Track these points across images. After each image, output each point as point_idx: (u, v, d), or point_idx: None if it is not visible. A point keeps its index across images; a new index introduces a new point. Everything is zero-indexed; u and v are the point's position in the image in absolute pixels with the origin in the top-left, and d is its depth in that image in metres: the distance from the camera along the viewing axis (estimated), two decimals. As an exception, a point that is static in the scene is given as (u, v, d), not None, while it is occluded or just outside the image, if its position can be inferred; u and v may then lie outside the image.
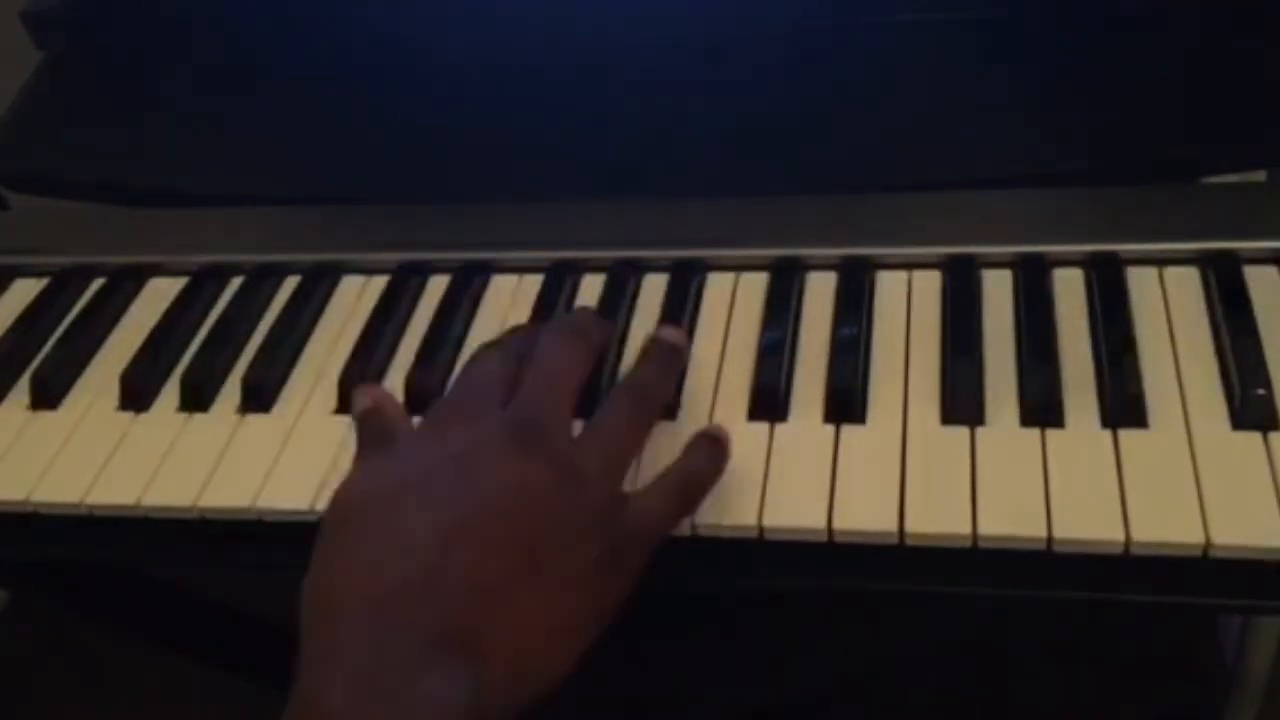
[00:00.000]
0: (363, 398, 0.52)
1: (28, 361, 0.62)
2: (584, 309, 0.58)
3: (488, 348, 0.53)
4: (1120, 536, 0.45)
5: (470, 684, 0.40)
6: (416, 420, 0.52)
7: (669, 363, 0.53)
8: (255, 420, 0.57)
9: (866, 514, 0.47)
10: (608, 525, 0.45)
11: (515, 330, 0.55)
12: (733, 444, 0.49)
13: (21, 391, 0.60)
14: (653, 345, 0.53)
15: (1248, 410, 0.48)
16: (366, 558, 0.44)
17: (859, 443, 0.50)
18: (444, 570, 0.42)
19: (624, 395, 0.51)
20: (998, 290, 0.56)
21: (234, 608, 0.97)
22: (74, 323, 0.64)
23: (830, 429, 0.51)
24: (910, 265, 0.58)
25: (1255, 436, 0.48)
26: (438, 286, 0.62)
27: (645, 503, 0.47)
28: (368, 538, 0.44)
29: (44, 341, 0.63)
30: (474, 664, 0.41)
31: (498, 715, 0.41)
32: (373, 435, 0.51)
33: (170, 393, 0.59)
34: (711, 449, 0.49)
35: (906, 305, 0.56)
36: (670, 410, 0.53)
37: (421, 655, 0.41)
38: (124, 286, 0.66)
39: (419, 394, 0.56)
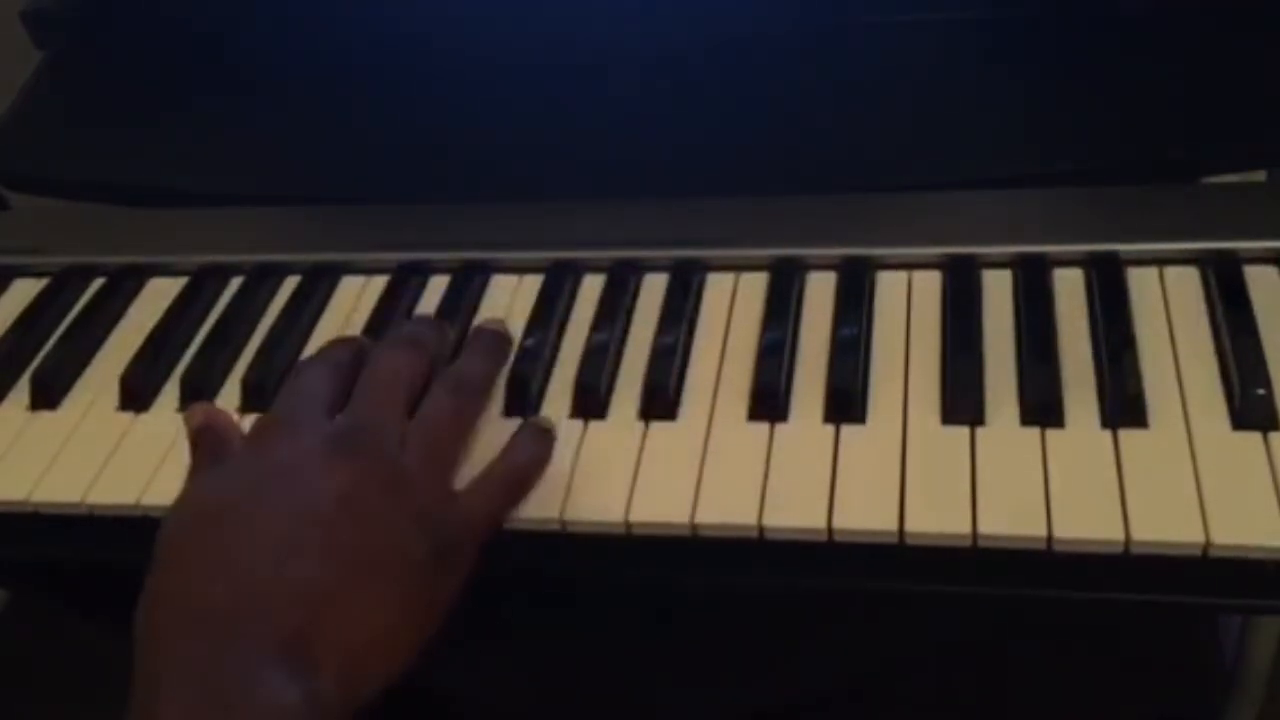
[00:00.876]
0: (195, 415, 0.52)
1: (28, 361, 0.62)
2: (423, 317, 0.59)
3: (312, 360, 0.53)
4: (1120, 536, 0.45)
5: (305, 690, 0.41)
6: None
7: (491, 353, 0.54)
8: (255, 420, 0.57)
9: (866, 514, 0.47)
10: (434, 524, 0.46)
11: (339, 341, 0.55)
12: (556, 435, 0.52)
13: (21, 391, 0.60)
14: (475, 337, 0.55)
15: (1248, 410, 0.48)
16: (194, 576, 0.44)
17: (859, 443, 0.50)
18: (270, 582, 0.43)
19: (441, 388, 0.52)
20: (998, 290, 0.56)
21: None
22: (74, 323, 0.64)
23: (830, 429, 0.51)
24: (910, 265, 0.58)
25: (1255, 436, 0.48)
26: (438, 286, 0.62)
27: (471, 499, 0.49)
28: (194, 557, 0.45)
29: (44, 341, 0.63)
30: (308, 670, 0.42)
31: (335, 716, 0.42)
32: (204, 452, 0.51)
33: (170, 393, 0.59)
34: (536, 441, 0.51)
35: (906, 305, 0.56)
36: (670, 410, 0.53)
37: (254, 667, 0.41)
38: (124, 286, 0.66)
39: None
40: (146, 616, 0.44)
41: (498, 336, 0.56)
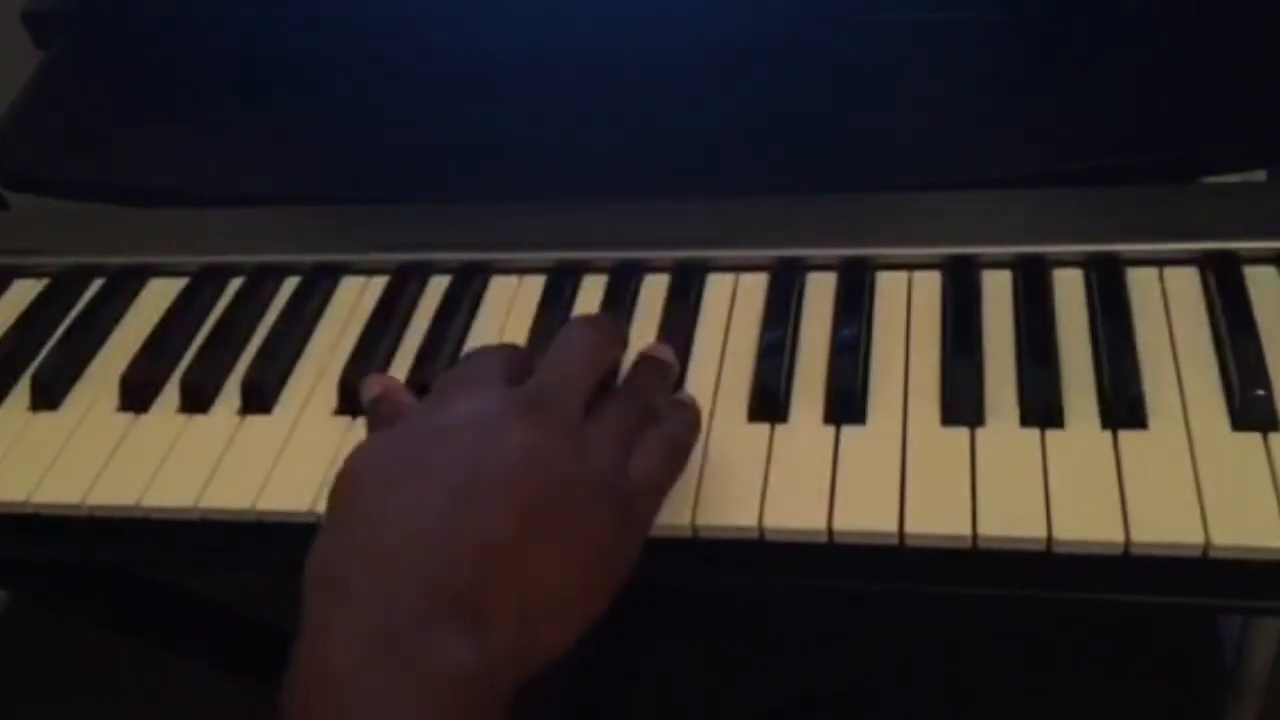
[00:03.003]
0: (372, 385, 0.52)
1: (28, 362, 0.62)
2: (611, 316, 0.58)
3: (488, 346, 0.53)
4: (1120, 536, 0.45)
5: (477, 644, 0.40)
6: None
7: (663, 375, 0.53)
8: (255, 421, 0.57)
9: (866, 514, 0.47)
10: (614, 493, 0.45)
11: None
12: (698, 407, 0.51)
13: (21, 392, 0.60)
14: (645, 356, 0.53)
15: (1248, 410, 0.48)
16: (371, 522, 0.43)
17: (859, 443, 0.50)
18: (448, 530, 0.42)
19: (631, 391, 0.51)
20: (998, 290, 0.56)
21: (234, 608, 0.98)
22: (74, 323, 0.64)
23: (830, 429, 0.51)
24: (910, 265, 0.58)
25: (1255, 436, 0.48)
26: (438, 286, 0.62)
27: (644, 467, 0.47)
28: (372, 503, 0.44)
29: (44, 341, 0.63)
30: (482, 626, 0.40)
31: (505, 678, 0.41)
32: (380, 418, 0.50)
33: (170, 393, 0.59)
34: (691, 409, 0.51)
35: (906, 305, 0.56)
36: (657, 420, 0.53)
37: (428, 614, 0.40)
38: (124, 286, 0.66)
39: (419, 394, 0.56)
40: (318, 561, 0.43)
41: (668, 363, 0.54)
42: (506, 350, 0.52)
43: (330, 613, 0.41)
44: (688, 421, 0.50)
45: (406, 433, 0.47)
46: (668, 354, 0.54)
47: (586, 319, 0.54)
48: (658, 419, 0.50)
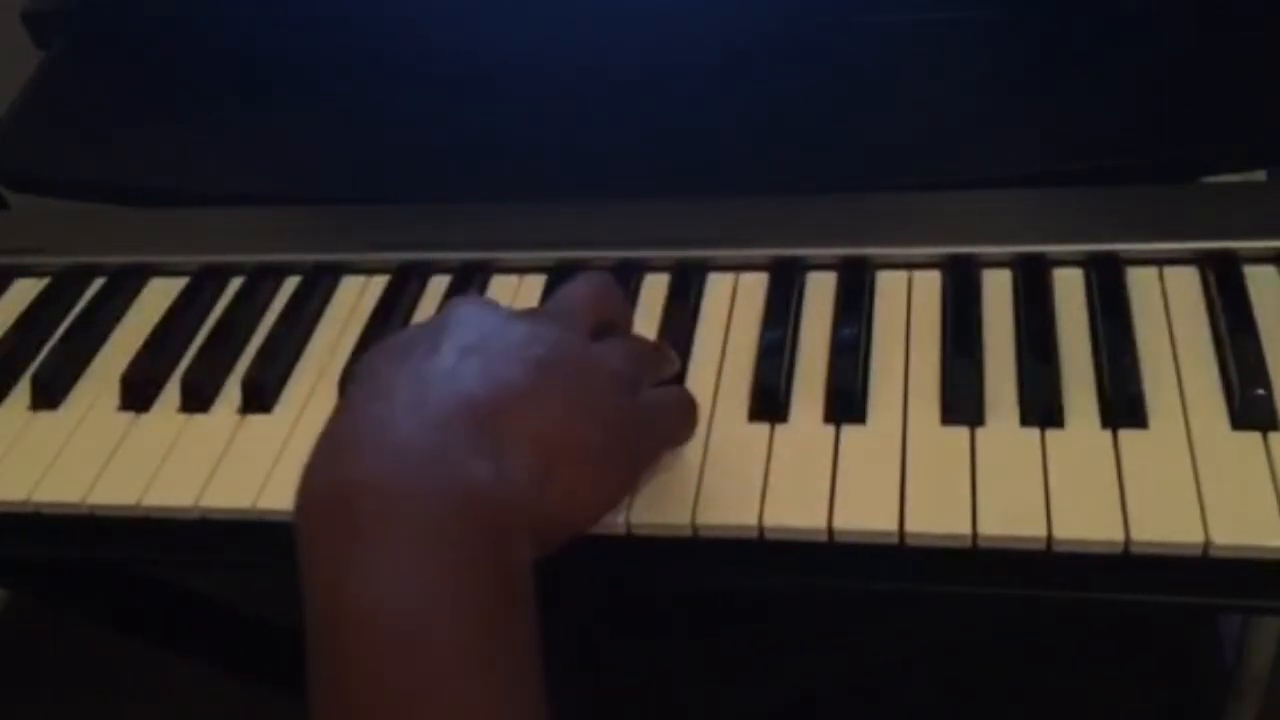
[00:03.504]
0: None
1: (28, 361, 0.62)
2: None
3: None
4: (1120, 536, 0.45)
5: (492, 461, 0.40)
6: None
7: (666, 356, 0.54)
8: (256, 420, 0.57)
9: (866, 514, 0.47)
10: (630, 389, 0.46)
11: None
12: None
13: (22, 391, 0.60)
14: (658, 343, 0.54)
15: (1248, 410, 0.48)
16: (379, 385, 0.43)
17: (859, 443, 0.50)
18: (457, 369, 0.42)
19: (631, 338, 0.52)
20: (998, 290, 0.56)
21: (234, 608, 0.98)
22: (74, 323, 0.64)
23: (830, 429, 0.51)
24: (910, 265, 0.58)
25: (1255, 436, 0.48)
26: (438, 286, 0.62)
27: (659, 397, 0.49)
28: (380, 379, 0.44)
29: (44, 341, 0.63)
30: (497, 446, 0.41)
31: (524, 512, 0.40)
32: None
33: (171, 393, 0.59)
34: (688, 397, 0.52)
35: (906, 305, 0.56)
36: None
37: (442, 430, 0.40)
38: (124, 286, 0.66)
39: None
40: (335, 414, 0.43)
41: (669, 355, 0.54)
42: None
43: (343, 430, 0.42)
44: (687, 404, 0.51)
45: (412, 328, 0.48)
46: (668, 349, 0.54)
47: (586, 274, 0.55)
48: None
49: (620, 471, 0.45)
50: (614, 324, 0.51)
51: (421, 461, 0.39)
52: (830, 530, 0.47)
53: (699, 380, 0.54)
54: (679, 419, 0.50)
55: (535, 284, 0.61)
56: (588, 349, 0.46)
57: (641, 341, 0.53)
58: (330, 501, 0.40)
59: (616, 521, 0.49)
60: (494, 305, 0.48)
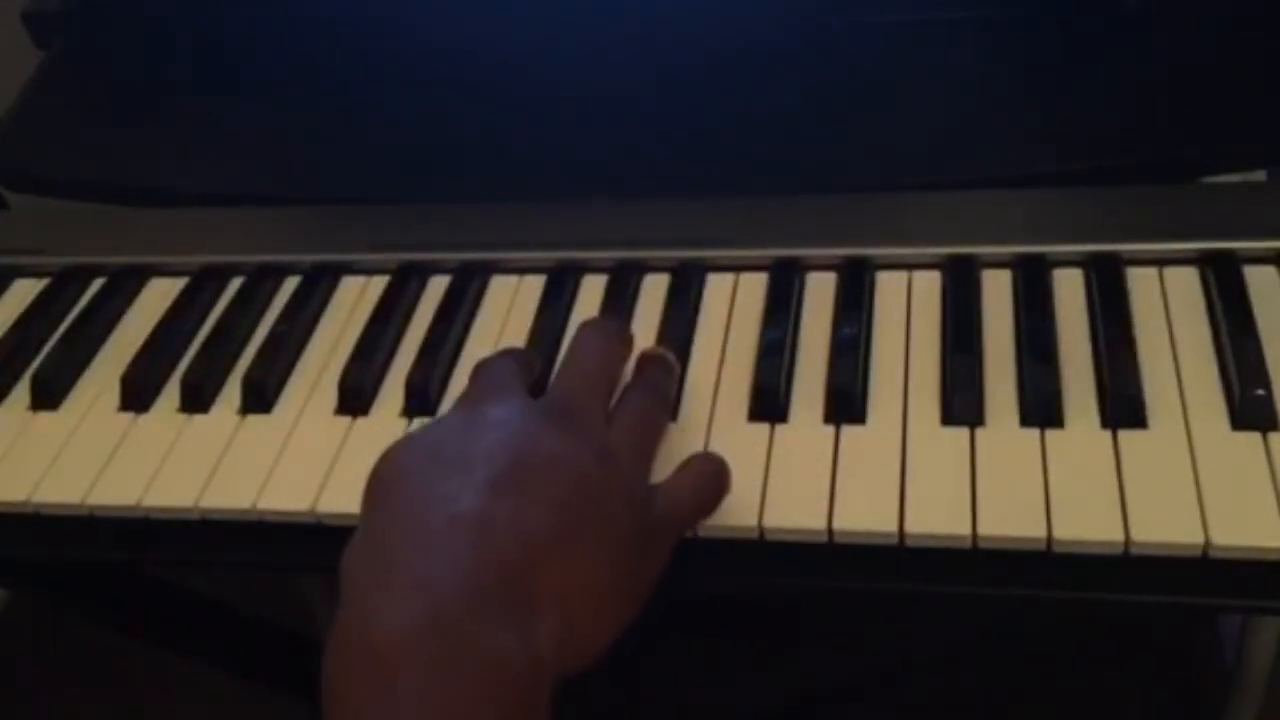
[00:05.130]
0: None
1: (28, 361, 0.62)
2: (617, 319, 0.58)
3: (493, 355, 0.53)
4: (1120, 536, 0.45)
5: (523, 637, 0.40)
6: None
7: (669, 370, 0.53)
8: (256, 420, 0.57)
9: (866, 514, 0.47)
10: (641, 507, 0.46)
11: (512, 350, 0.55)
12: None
13: (22, 391, 0.60)
14: (650, 355, 0.54)
15: (1248, 410, 0.48)
16: (414, 507, 0.43)
17: (859, 443, 0.50)
18: (491, 521, 0.42)
19: (641, 392, 0.51)
20: (998, 290, 0.56)
21: (234, 608, 0.98)
22: (74, 323, 0.64)
23: (830, 429, 0.51)
24: (910, 265, 0.58)
25: (1255, 436, 0.48)
26: (438, 286, 0.62)
27: (674, 490, 0.48)
28: (414, 490, 0.43)
29: (44, 341, 0.63)
30: (525, 618, 0.40)
31: (549, 674, 0.40)
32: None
33: (170, 393, 0.59)
34: (724, 469, 0.49)
35: (906, 305, 0.56)
36: (671, 410, 0.53)
37: (474, 600, 0.40)
38: (124, 286, 0.66)
39: (419, 394, 0.56)
40: (360, 548, 0.43)
41: (670, 361, 0.54)
42: (517, 357, 0.52)
43: (376, 596, 0.40)
44: (722, 466, 0.49)
45: (442, 429, 0.47)
46: (669, 354, 0.54)
47: (595, 324, 0.55)
48: (668, 403, 0.52)
49: (635, 597, 0.45)
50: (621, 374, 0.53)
51: (459, 633, 0.39)
52: (830, 530, 0.47)
53: (699, 380, 0.54)
54: (695, 505, 0.48)
55: (535, 284, 0.61)
56: (604, 463, 0.45)
57: (648, 391, 0.52)
58: (362, 661, 0.39)
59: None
60: (516, 397, 0.48)
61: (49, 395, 0.60)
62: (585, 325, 0.54)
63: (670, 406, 0.53)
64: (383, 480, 0.45)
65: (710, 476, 0.49)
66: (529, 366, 0.53)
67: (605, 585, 0.43)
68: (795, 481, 0.49)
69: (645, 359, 0.54)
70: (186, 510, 0.53)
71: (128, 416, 0.58)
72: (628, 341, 0.55)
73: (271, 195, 0.69)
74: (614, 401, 0.51)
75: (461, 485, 0.43)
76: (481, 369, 0.52)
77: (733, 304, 0.58)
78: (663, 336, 0.57)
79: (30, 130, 0.78)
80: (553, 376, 0.52)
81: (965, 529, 0.46)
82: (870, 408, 0.52)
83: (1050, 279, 0.56)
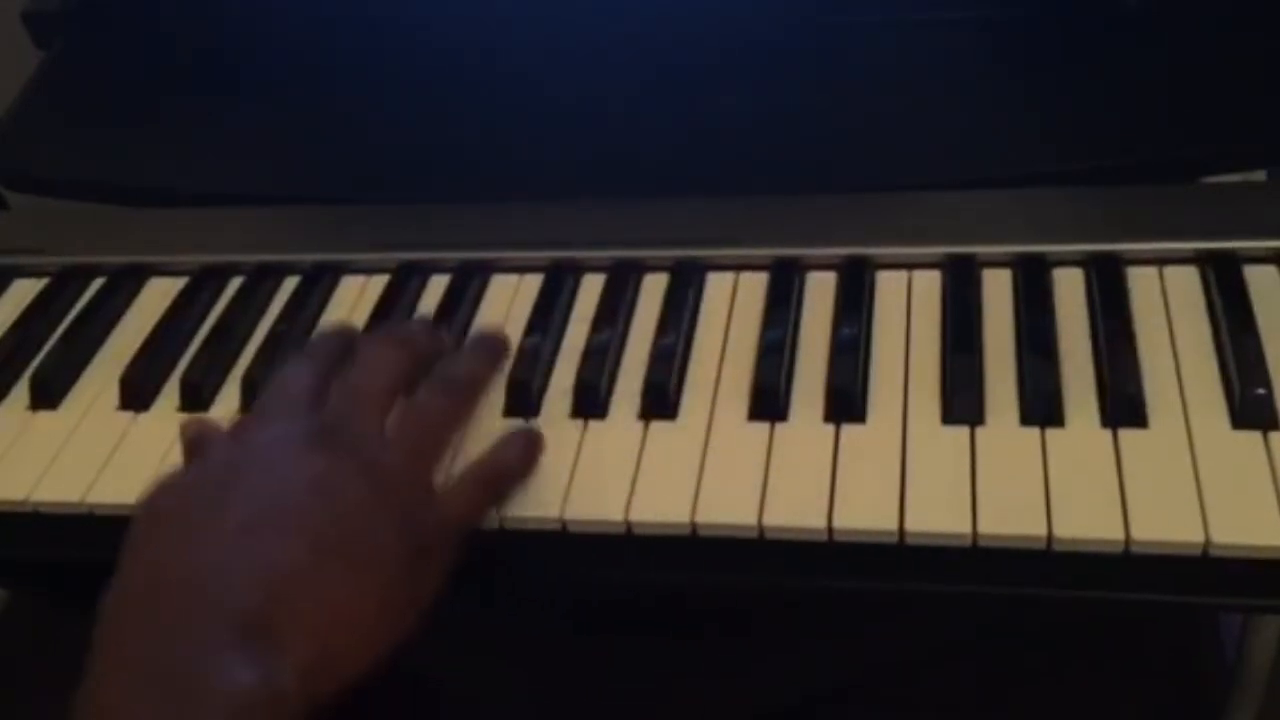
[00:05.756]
0: (188, 428, 0.52)
1: (28, 361, 0.62)
2: (417, 319, 0.58)
3: (295, 357, 0.53)
4: (1120, 536, 0.45)
5: (263, 672, 0.40)
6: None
7: (484, 354, 0.54)
8: (255, 420, 0.57)
9: (866, 514, 0.47)
10: (412, 522, 0.46)
11: (327, 334, 0.55)
12: (544, 444, 0.51)
13: (21, 391, 0.60)
14: (470, 339, 0.54)
15: (1248, 410, 0.48)
16: (156, 559, 0.43)
17: (859, 443, 0.50)
18: (234, 561, 0.42)
19: (429, 387, 0.52)
20: (998, 290, 0.56)
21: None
22: (74, 323, 0.64)
23: (830, 429, 0.51)
24: (910, 265, 0.58)
25: (1255, 436, 0.48)
26: (438, 286, 0.62)
27: (451, 496, 0.48)
28: (160, 541, 0.44)
29: (44, 341, 0.63)
30: (267, 651, 0.40)
31: (299, 699, 0.40)
32: (188, 454, 0.51)
33: (170, 393, 0.59)
34: (522, 446, 0.51)
35: (906, 305, 0.56)
36: (670, 410, 0.53)
37: (208, 646, 0.40)
38: (124, 286, 0.66)
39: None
40: (110, 596, 0.43)
41: (493, 339, 0.56)
42: (313, 367, 0.51)
43: (116, 639, 0.42)
44: (519, 457, 0.51)
45: (201, 469, 0.48)
46: (491, 329, 0.54)
47: (381, 333, 0.55)
48: (473, 392, 0.52)
49: (405, 613, 0.45)
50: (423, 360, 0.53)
51: (193, 676, 0.39)
52: (830, 530, 0.47)
53: (699, 380, 0.54)
54: (477, 507, 0.49)
55: (535, 283, 0.61)
56: (371, 483, 0.45)
57: (433, 387, 0.52)
58: (107, 714, 0.40)
59: (615, 521, 0.49)
60: (285, 421, 0.48)
61: (48, 395, 0.60)
62: (364, 336, 0.54)
63: (471, 397, 0.52)
64: (139, 522, 0.45)
65: (490, 478, 0.49)
66: (324, 380, 0.51)
67: (367, 610, 0.43)
68: (795, 481, 0.49)
69: (468, 340, 0.54)
70: (186, 510, 0.53)
71: (127, 416, 0.58)
72: (417, 346, 0.53)
73: (271, 195, 0.69)
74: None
75: (209, 530, 0.43)
76: (274, 381, 0.51)
77: (733, 304, 0.58)
78: (662, 336, 0.57)
79: (30, 130, 0.78)
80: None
81: (965, 528, 0.46)
82: (870, 407, 0.52)
83: (1050, 278, 0.56)
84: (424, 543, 0.46)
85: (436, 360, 0.54)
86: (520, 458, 0.51)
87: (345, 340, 0.54)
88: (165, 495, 0.46)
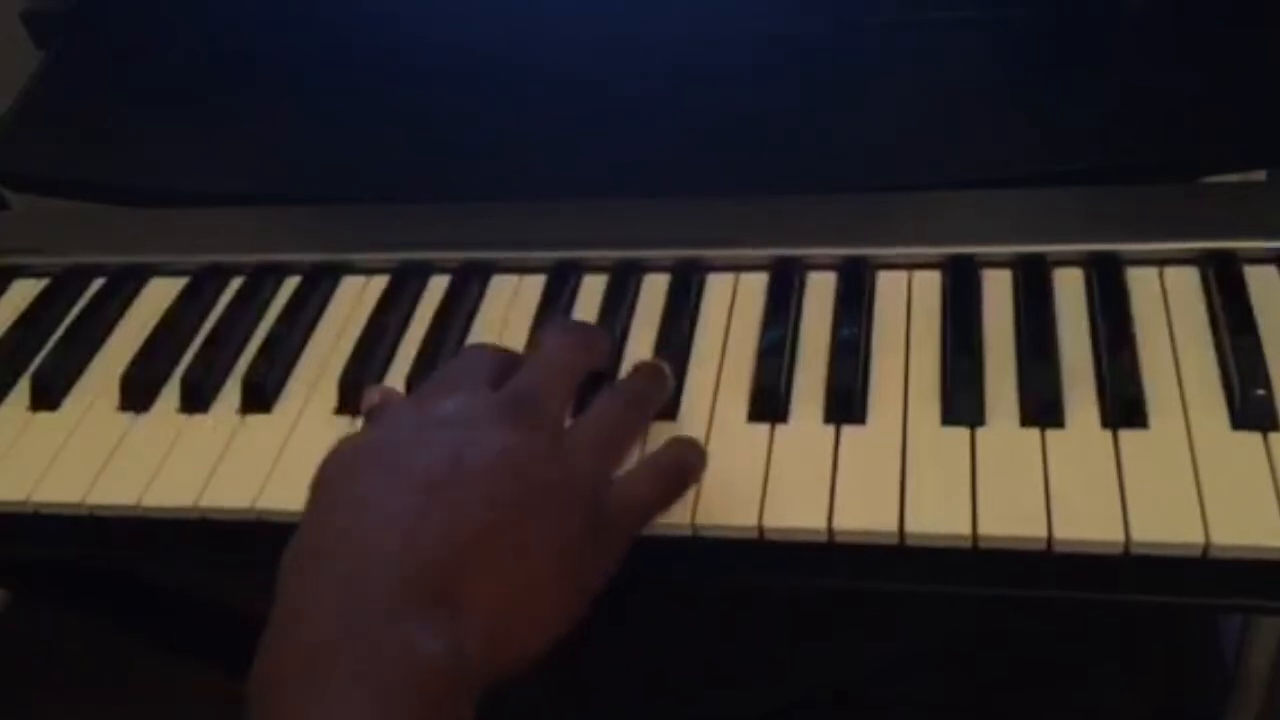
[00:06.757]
0: (372, 394, 0.52)
1: (28, 361, 0.62)
2: (595, 326, 0.58)
3: (473, 345, 0.54)
4: (1120, 536, 0.45)
5: (447, 637, 0.40)
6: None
7: (660, 379, 0.53)
8: (255, 420, 0.57)
9: (867, 514, 0.47)
10: (593, 502, 0.45)
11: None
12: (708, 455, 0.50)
13: (21, 391, 0.60)
14: (645, 364, 0.53)
15: (1248, 410, 0.48)
16: (349, 507, 0.43)
17: (859, 443, 0.50)
18: (424, 522, 0.42)
19: (619, 394, 0.51)
20: (998, 290, 0.56)
21: (234, 608, 0.98)
22: (74, 323, 0.64)
23: (830, 429, 0.51)
24: (910, 265, 0.58)
25: (1255, 436, 0.48)
26: (438, 286, 0.62)
27: (632, 485, 0.48)
28: (352, 489, 0.44)
29: (44, 341, 0.63)
30: (451, 618, 0.40)
31: (473, 674, 0.40)
32: (373, 420, 0.50)
33: (170, 393, 0.59)
34: (693, 447, 0.50)
35: (906, 305, 0.56)
36: (671, 411, 0.53)
37: (400, 600, 0.40)
38: (124, 286, 0.66)
39: (419, 394, 0.56)
40: (296, 543, 0.43)
41: (662, 368, 0.53)
42: (493, 352, 0.52)
43: (305, 590, 0.41)
44: (694, 458, 0.50)
45: (390, 429, 0.47)
46: (664, 365, 0.53)
47: (564, 323, 0.55)
48: (651, 409, 0.51)
49: (580, 595, 0.44)
50: (598, 366, 0.52)
51: (380, 633, 0.39)
52: (830, 530, 0.47)
53: (699, 380, 0.54)
54: (654, 501, 0.48)
55: (535, 283, 0.61)
56: (554, 456, 0.45)
57: (620, 395, 0.51)
58: (290, 658, 0.40)
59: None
60: (467, 391, 0.48)
61: (49, 395, 0.60)
62: (551, 322, 0.55)
63: (647, 415, 0.52)
64: (324, 480, 0.46)
65: (671, 471, 0.49)
66: (505, 366, 0.51)
67: (544, 584, 0.43)
68: (795, 481, 0.49)
69: (636, 367, 0.53)
70: (186, 510, 0.53)
71: (127, 416, 0.58)
72: (600, 344, 0.54)
73: (272, 195, 0.69)
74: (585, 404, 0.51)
75: (399, 485, 0.43)
76: (452, 359, 0.52)
77: (733, 304, 0.58)
78: (663, 336, 0.57)
79: (30, 130, 0.78)
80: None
81: (965, 529, 0.46)
82: (870, 408, 0.52)
83: (1050, 279, 0.56)
84: (603, 529, 0.45)
85: (603, 367, 0.54)
86: (700, 457, 0.50)
87: (512, 356, 0.52)
88: (354, 448, 0.46)
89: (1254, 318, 0.52)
